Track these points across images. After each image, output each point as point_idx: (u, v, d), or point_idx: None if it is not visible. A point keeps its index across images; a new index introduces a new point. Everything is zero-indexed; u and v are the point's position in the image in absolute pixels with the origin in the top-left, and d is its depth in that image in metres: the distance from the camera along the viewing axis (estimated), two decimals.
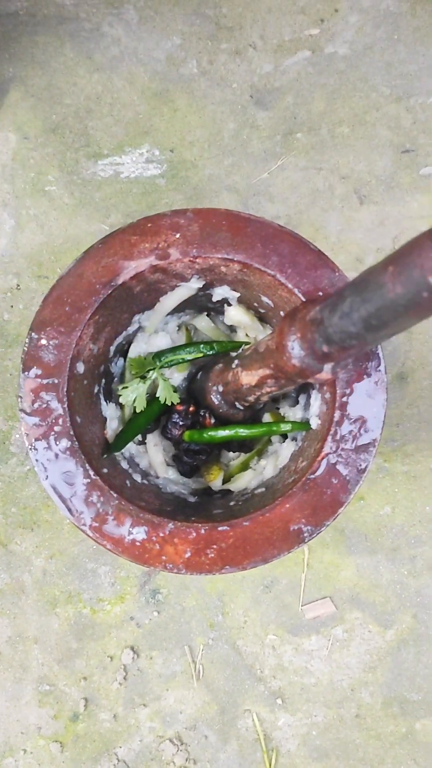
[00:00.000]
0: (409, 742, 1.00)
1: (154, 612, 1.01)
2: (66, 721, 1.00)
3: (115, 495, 0.72)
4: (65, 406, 0.73)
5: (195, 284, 0.82)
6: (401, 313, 0.53)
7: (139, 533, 0.71)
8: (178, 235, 0.75)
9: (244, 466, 0.91)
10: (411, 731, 1.00)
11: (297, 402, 0.91)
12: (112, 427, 0.84)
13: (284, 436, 0.91)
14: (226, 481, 0.91)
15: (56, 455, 0.72)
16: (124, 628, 1.01)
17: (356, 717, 1.00)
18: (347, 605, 1.02)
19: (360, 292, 0.56)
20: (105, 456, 0.79)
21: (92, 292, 0.74)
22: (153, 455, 0.90)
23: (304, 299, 0.74)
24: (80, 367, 0.76)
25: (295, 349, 0.66)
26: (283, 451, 0.87)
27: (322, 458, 0.72)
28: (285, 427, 0.82)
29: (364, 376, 0.73)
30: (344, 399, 0.73)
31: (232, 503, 0.82)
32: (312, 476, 0.72)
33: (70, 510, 0.72)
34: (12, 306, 1.05)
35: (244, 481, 0.89)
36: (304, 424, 0.80)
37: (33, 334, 0.73)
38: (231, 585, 1.02)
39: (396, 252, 0.51)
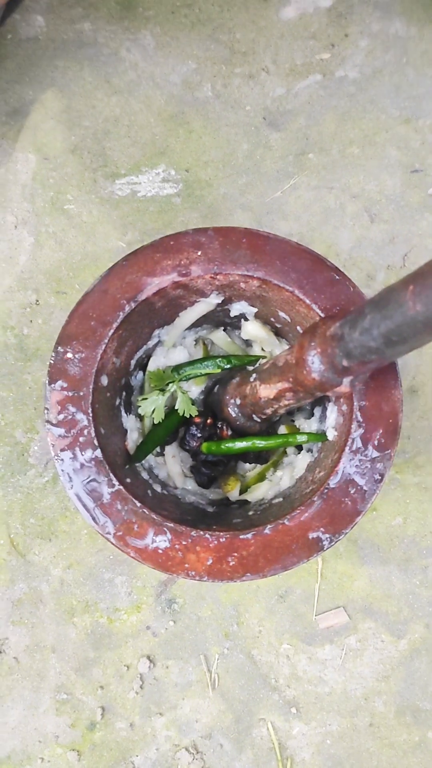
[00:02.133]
0: (422, 751, 1.01)
1: (170, 621, 1.03)
2: (83, 730, 1.01)
3: (138, 504, 0.74)
4: (90, 417, 0.75)
5: (214, 300, 0.84)
6: (420, 330, 0.55)
7: (163, 541, 0.73)
8: (199, 253, 0.78)
9: (261, 477, 0.93)
10: (424, 740, 1.01)
11: (312, 414, 0.93)
12: (133, 438, 0.86)
13: (299, 448, 0.93)
14: (242, 491, 0.93)
15: (81, 465, 0.74)
16: (140, 638, 1.03)
17: (370, 726, 1.02)
18: (360, 615, 1.04)
19: (380, 309, 0.59)
20: (127, 466, 0.81)
21: (116, 307, 0.77)
22: (171, 466, 0.92)
23: (321, 314, 0.77)
24: (104, 380, 0.78)
25: (315, 363, 0.69)
26: (299, 463, 0.89)
27: (340, 468, 0.74)
28: (301, 439, 0.84)
29: (381, 388, 0.76)
30: (361, 411, 0.75)
31: (250, 513, 0.84)
32: (330, 486, 0.74)
33: (95, 519, 0.74)
34: (31, 321, 1.08)
35: (260, 492, 0.91)
36: (321, 435, 0.83)
37: (59, 347, 0.76)
38: (246, 595, 1.04)
39: (416, 272, 0.54)
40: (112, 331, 0.77)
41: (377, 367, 0.66)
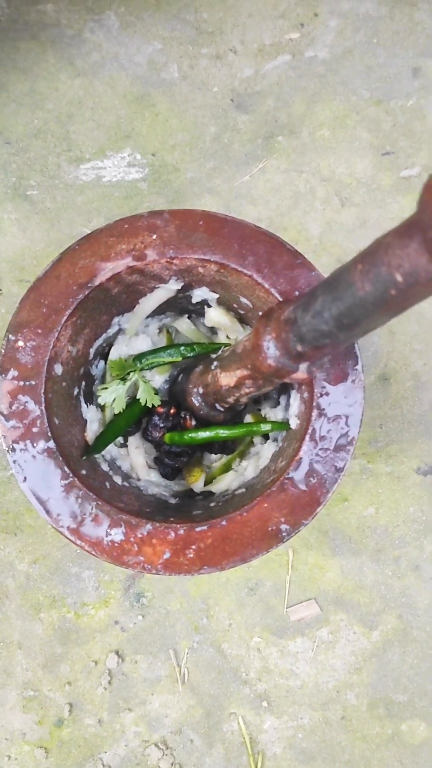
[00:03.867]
0: (395, 744, 1.00)
1: (138, 616, 1.01)
2: (50, 727, 0.99)
3: (93, 496, 0.72)
4: (42, 407, 0.73)
5: (173, 286, 0.82)
6: (371, 311, 0.53)
7: (117, 534, 0.71)
8: (154, 236, 0.76)
9: (226, 468, 0.91)
10: (397, 733, 1.00)
11: (278, 403, 0.91)
12: (93, 429, 0.84)
13: (266, 437, 0.91)
14: (208, 482, 0.91)
15: (34, 457, 0.72)
16: (108, 633, 1.01)
17: (342, 719, 1.00)
18: (332, 607, 1.02)
19: (331, 291, 0.56)
20: (84, 458, 0.79)
21: (69, 293, 0.74)
22: (134, 457, 0.90)
23: (281, 299, 0.75)
24: (58, 369, 0.76)
25: (270, 349, 0.66)
26: (264, 452, 0.87)
27: (300, 457, 0.72)
28: (265, 428, 0.82)
29: (342, 376, 0.73)
30: (322, 398, 0.73)
31: (212, 504, 0.82)
32: (290, 476, 0.72)
33: (48, 512, 0.71)
34: None
35: (225, 483, 0.89)
36: (284, 424, 0.80)
37: (10, 335, 0.73)
38: (215, 588, 1.02)
39: (364, 250, 0.52)
40: (64, 318, 0.74)
41: (333, 351, 0.63)
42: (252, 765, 0.98)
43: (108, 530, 0.71)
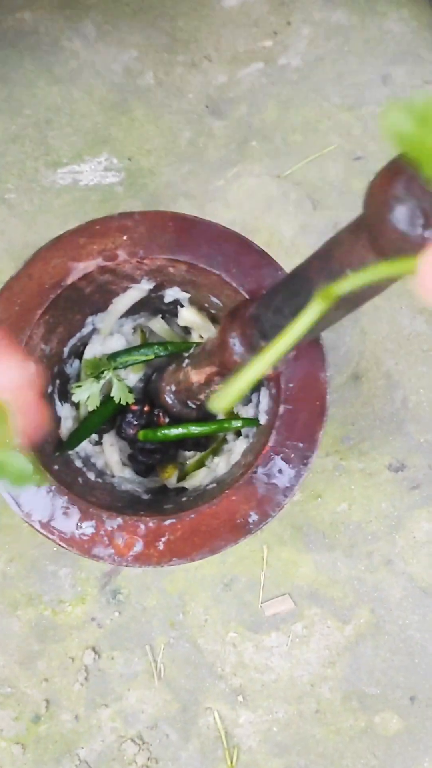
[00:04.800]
0: (368, 736, 1.01)
1: (115, 612, 1.02)
2: (28, 723, 1.00)
3: (64, 490, 0.73)
4: None
5: (145, 285, 0.84)
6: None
7: (88, 527, 0.73)
8: (125, 237, 0.78)
9: (199, 464, 0.93)
10: (370, 725, 1.01)
11: (250, 401, 0.93)
12: (67, 426, 0.85)
13: (238, 434, 0.93)
14: (181, 479, 0.93)
15: None
16: (85, 629, 1.02)
17: (316, 712, 1.02)
18: (306, 601, 1.04)
19: (290, 288, 0.59)
20: (57, 454, 0.80)
21: (41, 292, 0.76)
22: (109, 455, 0.91)
23: (248, 297, 0.77)
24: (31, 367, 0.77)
25: (236, 345, 0.68)
26: (236, 449, 0.89)
27: (267, 451, 0.74)
28: (236, 424, 0.84)
29: (307, 371, 0.76)
30: (288, 393, 0.75)
31: (183, 499, 0.83)
32: (257, 469, 0.74)
33: (19, 505, 0.73)
34: None
35: (198, 479, 0.90)
36: (254, 420, 0.82)
37: None
38: (191, 584, 1.03)
39: (320, 248, 0.54)
40: (37, 316, 0.76)
41: (294, 347, 0.66)
42: (227, 759, 1.00)
43: (79, 524, 0.73)
